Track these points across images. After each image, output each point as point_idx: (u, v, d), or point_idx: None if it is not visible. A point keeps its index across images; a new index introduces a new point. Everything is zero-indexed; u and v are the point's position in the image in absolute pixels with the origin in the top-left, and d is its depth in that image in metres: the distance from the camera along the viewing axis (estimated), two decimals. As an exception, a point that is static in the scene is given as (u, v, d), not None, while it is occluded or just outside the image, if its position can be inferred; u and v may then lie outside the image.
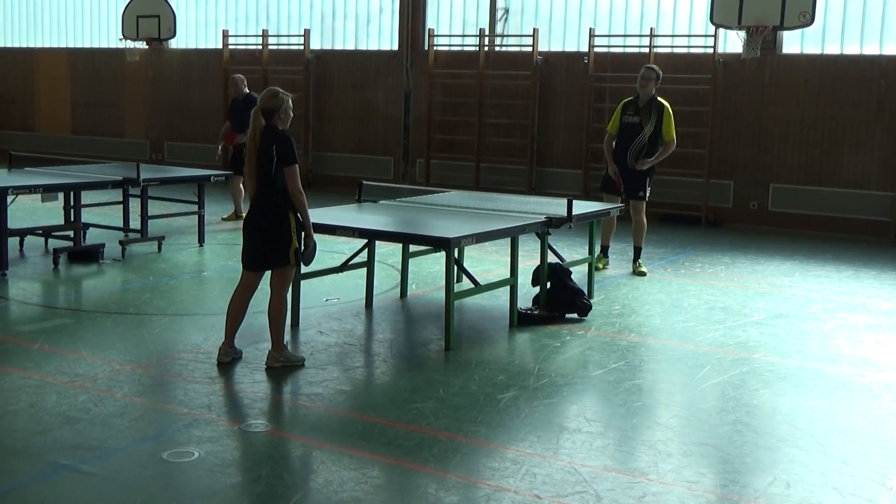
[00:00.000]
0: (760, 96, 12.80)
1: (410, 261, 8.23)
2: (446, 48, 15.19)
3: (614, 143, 9.38)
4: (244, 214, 6.18)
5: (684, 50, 13.35)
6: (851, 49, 12.45)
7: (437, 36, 15.12)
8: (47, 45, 19.95)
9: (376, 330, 7.22)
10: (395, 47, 15.64)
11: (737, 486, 4.43)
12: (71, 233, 9.51)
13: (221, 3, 17.59)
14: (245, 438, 4.92)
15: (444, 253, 6.74)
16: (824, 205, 12.48)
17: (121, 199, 10.17)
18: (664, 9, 13.61)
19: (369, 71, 15.90)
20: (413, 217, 7.65)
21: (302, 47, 16.21)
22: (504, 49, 14.85)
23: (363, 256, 7.78)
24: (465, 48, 15.07)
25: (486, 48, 14.66)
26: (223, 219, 12.08)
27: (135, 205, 10.00)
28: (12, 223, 8.85)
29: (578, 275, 8.20)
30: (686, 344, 6.92)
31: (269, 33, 16.62)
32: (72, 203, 9.70)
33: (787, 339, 7.12)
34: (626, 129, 9.25)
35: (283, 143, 5.77)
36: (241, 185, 11.60)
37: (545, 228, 7.30)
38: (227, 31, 17.00)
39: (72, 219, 9.73)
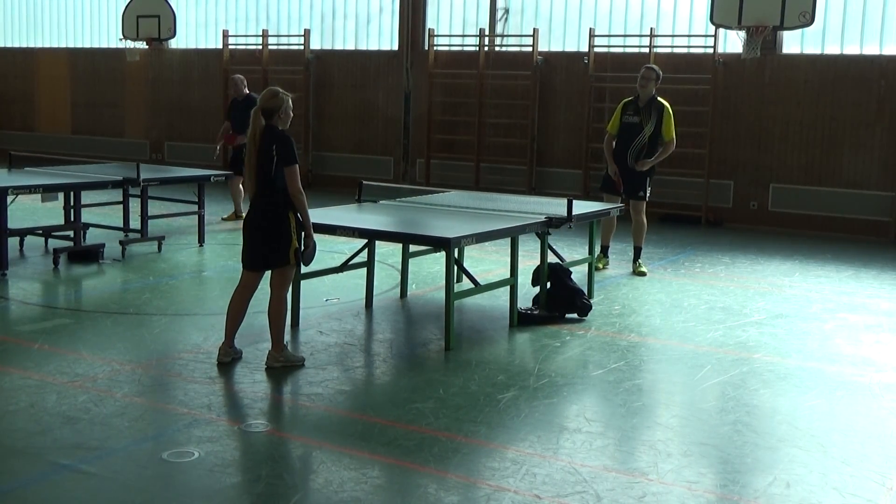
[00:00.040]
0: (760, 96, 12.80)
1: (410, 261, 8.23)
2: (446, 48, 15.19)
3: (614, 143, 9.38)
4: (244, 214, 6.17)
5: (684, 50, 13.35)
6: (851, 49, 12.45)
7: (437, 36, 15.12)
8: (47, 45, 19.95)
9: (376, 330, 7.22)
10: (395, 47, 15.64)
11: (737, 486, 4.43)
12: (71, 233, 9.51)
13: (221, 3, 17.59)
14: (245, 438, 4.92)
15: (444, 253, 6.74)
16: (824, 205, 12.48)
17: (121, 199, 10.17)
18: (664, 9, 13.61)
19: (369, 71, 15.90)
20: (413, 217, 7.65)
21: (302, 47, 16.21)
22: (504, 49, 14.85)
23: (363, 256, 7.78)
24: (465, 48, 15.07)
25: (486, 48, 14.66)
26: (223, 219, 12.08)
27: (135, 205, 10.00)
28: (12, 223, 8.85)
29: (578, 275, 8.20)
30: (686, 344, 6.92)
31: (269, 33, 16.62)
32: (72, 203, 9.70)
33: (787, 339, 7.12)
34: (626, 129, 9.25)
35: (283, 142, 5.77)
36: (241, 186, 11.61)
37: (545, 228, 7.30)
38: (227, 31, 17.00)
39: (72, 219, 9.73)
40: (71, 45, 19.57)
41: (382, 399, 5.66)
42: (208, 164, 13.22)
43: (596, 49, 13.73)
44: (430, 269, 9.01)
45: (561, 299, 7.49)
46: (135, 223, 10.00)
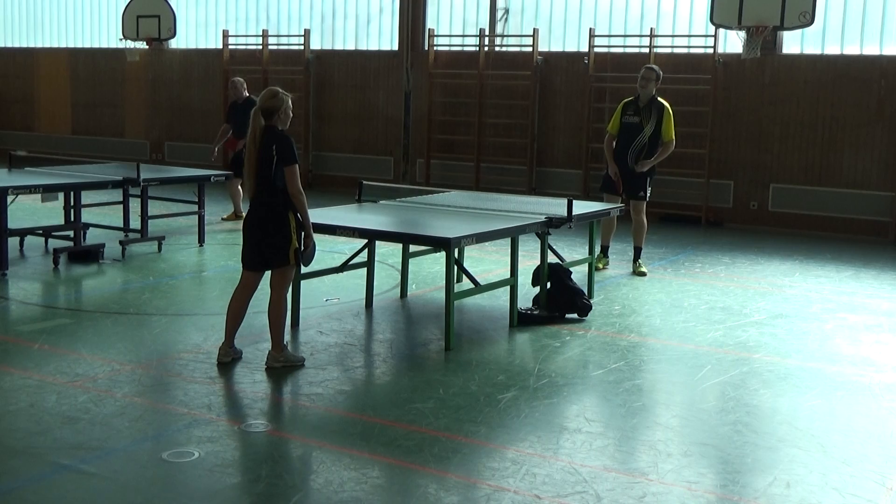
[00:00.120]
0: (760, 96, 12.80)
1: (410, 261, 8.23)
2: (446, 48, 15.19)
3: (614, 143, 9.38)
4: (244, 214, 6.17)
5: (684, 50, 13.35)
6: (851, 49, 12.45)
7: (437, 36, 15.12)
8: (47, 45, 19.95)
9: (376, 330, 7.22)
10: (395, 47, 15.64)
11: (737, 486, 4.43)
12: (71, 233, 9.51)
13: (221, 3, 17.59)
14: (245, 438, 4.92)
15: (444, 253, 6.74)
16: (824, 205, 12.48)
17: (121, 199, 10.18)
18: (664, 9, 13.61)
19: (369, 71, 15.90)
20: (413, 217, 7.65)
21: (302, 47, 16.21)
22: (504, 49, 14.85)
23: (363, 256, 7.78)
24: (465, 48, 15.07)
25: (486, 48, 14.66)
26: (223, 219, 12.09)
27: (135, 205, 10.00)
28: (12, 223, 8.85)
29: (578, 275, 8.20)
30: (686, 344, 6.92)
31: (269, 33, 16.62)
32: (72, 203, 9.70)
33: (787, 339, 7.12)
34: (627, 129, 9.25)
35: (283, 142, 5.77)
36: (240, 187, 11.63)
37: (545, 228, 7.30)
38: (227, 31, 17.00)
39: (72, 219, 9.73)
40: (71, 45, 19.58)
41: (382, 399, 5.66)
42: (208, 165, 13.22)
43: (596, 49, 13.73)
44: (430, 269, 9.01)
45: (561, 299, 7.49)
46: (135, 223, 10.00)
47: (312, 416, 5.30)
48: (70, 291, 8.47)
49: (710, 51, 13.00)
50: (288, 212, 5.82)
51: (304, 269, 6.89)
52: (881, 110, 12.10)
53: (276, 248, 5.85)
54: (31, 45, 20.20)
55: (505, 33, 14.88)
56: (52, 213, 10.64)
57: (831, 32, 12.52)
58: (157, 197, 10.66)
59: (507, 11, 14.83)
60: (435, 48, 15.08)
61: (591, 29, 13.75)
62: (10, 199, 8.60)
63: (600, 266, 9.35)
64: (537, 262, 7.63)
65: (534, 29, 14.22)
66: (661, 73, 9.43)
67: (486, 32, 14.74)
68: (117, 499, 4.17)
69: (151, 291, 8.12)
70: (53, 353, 6.21)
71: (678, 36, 13.38)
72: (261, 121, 5.78)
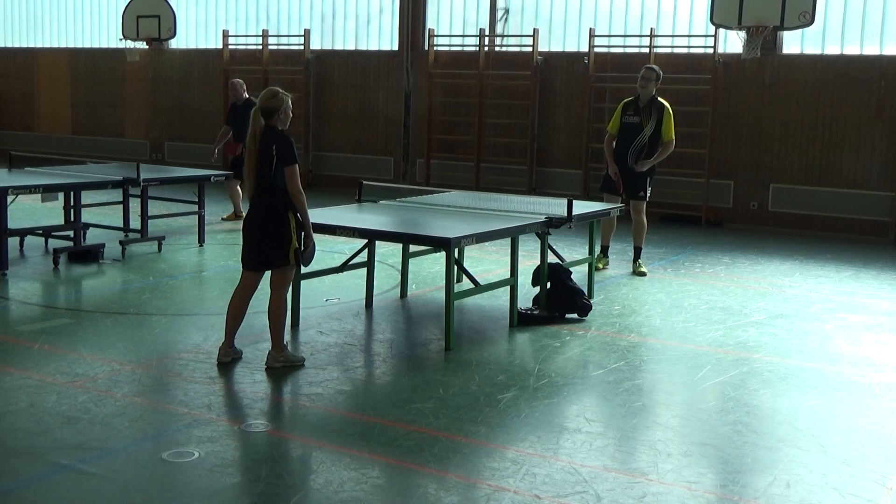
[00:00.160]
0: (760, 96, 12.80)
1: (410, 261, 8.23)
2: (446, 48, 15.19)
3: (614, 143, 9.38)
4: (244, 214, 6.18)
5: (684, 50, 13.35)
6: (851, 49, 12.45)
7: (437, 36, 15.12)
8: (47, 45, 19.95)
9: (376, 330, 7.22)
10: (395, 47, 15.64)
11: (737, 486, 4.43)
12: (71, 233, 9.51)
13: (221, 3, 17.59)
14: (245, 438, 4.92)
15: (444, 253, 6.74)
16: (824, 205, 12.48)
17: (121, 199, 10.18)
18: (664, 9, 13.61)
19: (369, 71, 15.90)
20: (413, 217, 7.65)
21: (302, 47, 16.21)
22: (504, 49, 14.85)
23: (363, 256, 7.78)
24: (465, 48, 15.07)
25: (486, 48, 14.66)
26: (223, 219, 12.09)
27: (135, 205, 10.00)
28: (12, 223, 8.85)
29: (578, 275, 8.20)
30: (686, 344, 6.92)
31: (269, 33, 16.62)
32: (72, 203, 9.70)
33: (787, 339, 7.12)
34: (627, 129, 9.25)
35: (283, 142, 5.77)
36: (239, 188, 11.63)
37: (545, 228, 7.30)
38: (227, 31, 17.00)
39: (72, 219, 9.73)
40: (71, 45, 19.58)
41: (382, 399, 5.66)
42: (208, 165, 13.22)
43: (596, 49, 13.73)
44: (430, 269, 9.01)
45: (561, 299, 7.49)
46: (135, 223, 10.00)
47: (312, 416, 5.30)
48: (70, 291, 8.47)
49: (710, 51, 13.00)
50: (288, 212, 5.82)
51: (304, 269, 6.89)
52: (881, 110, 12.10)
53: (276, 248, 5.85)
54: (31, 45, 20.20)
55: (505, 33, 14.88)
56: (52, 213, 10.64)
57: (831, 32, 12.52)
58: (157, 197, 10.66)
59: (507, 11, 14.83)
60: (435, 48, 15.08)
61: (591, 29, 13.75)
62: (10, 199, 8.60)
63: (600, 266, 9.35)
64: (537, 262, 7.63)
65: (534, 29, 14.22)
66: (661, 73, 9.43)
67: (486, 32, 14.74)
68: (117, 499, 4.17)
69: (151, 291, 8.12)
70: (53, 353, 6.21)
71: (678, 36, 13.38)
72: (261, 121, 5.78)
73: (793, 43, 12.78)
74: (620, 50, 13.87)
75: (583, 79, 13.87)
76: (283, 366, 5.98)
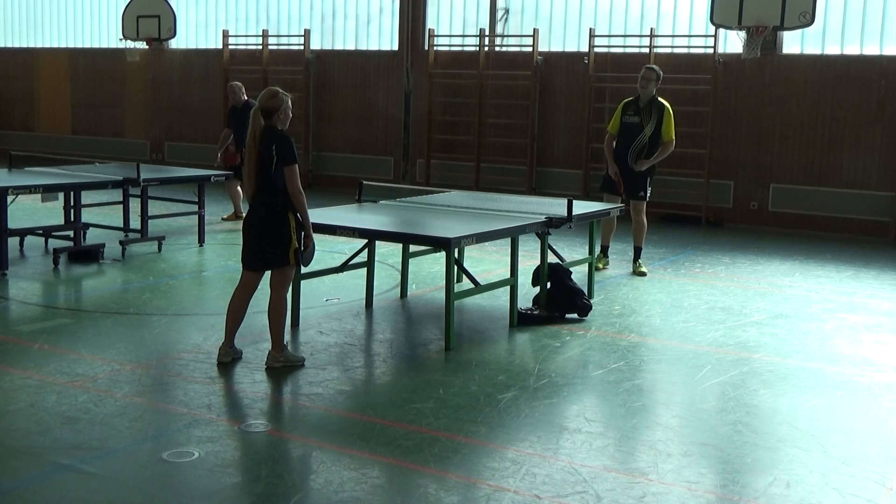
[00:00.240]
0: (760, 96, 12.80)
1: (410, 261, 8.23)
2: (446, 48, 15.19)
3: (615, 143, 9.38)
4: (244, 214, 6.18)
5: (684, 50, 13.35)
6: (851, 49, 12.45)
7: (437, 36, 15.12)
8: (47, 45, 19.95)
9: (376, 330, 7.22)
10: (395, 47, 15.64)
11: (737, 486, 4.43)
12: (71, 233, 9.51)
13: (221, 3, 17.59)
14: (245, 438, 4.92)
15: (444, 253, 6.74)
16: (824, 205, 12.48)
17: (121, 199, 10.18)
18: (664, 9, 13.61)
19: (369, 71, 15.90)
20: (413, 217, 7.65)
21: (302, 47, 16.21)
22: (504, 49, 14.85)
23: (363, 256, 7.78)
24: (465, 48, 15.07)
25: (486, 48, 14.66)
26: (223, 219, 12.09)
27: (135, 205, 10.00)
28: (12, 223, 8.85)
29: (578, 275, 8.20)
30: (686, 344, 6.92)
31: (269, 33, 16.62)
32: (72, 203, 9.70)
33: (787, 339, 7.12)
34: (627, 129, 9.25)
35: (283, 142, 5.77)
36: (239, 188, 11.63)
37: (545, 228, 7.30)
38: (227, 31, 17.00)
39: (72, 219, 9.73)
40: (71, 45, 19.58)
41: (382, 399, 5.66)
42: (208, 165, 13.22)
43: (596, 49, 13.73)
44: (430, 269, 9.01)
45: (561, 299, 7.49)
46: (135, 223, 10.00)
47: (312, 416, 5.30)
48: (70, 291, 8.47)
49: (710, 51, 13.00)
50: (288, 212, 5.82)
51: (303, 269, 6.89)
52: (881, 110, 12.10)
53: (275, 248, 5.85)
54: (31, 45, 20.21)
55: (505, 33, 14.88)
56: (52, 213, 10.64)
57: (831, 32, 12.52)
58: (157, 197, 10.66)
59: (507, 11, 14.83)
60: (435, 48, 15.08)
61: (591, 29, 13.75)
62: (10, 199, 8.60)
63: (600, 266, 9.35)
64: (537, 262, 7.63)
65: (534, 29, 14.22)
66: (662, 73, 9.43)
67: (486, 32, 14.74)
68: (117, 499, 4.17)
69: (151, 291, 8.12)
70: (53, 353, 6.21)
71: (678, 36, 13.38)
72: (260, 121, 5.79)
73: (793, 43, 12.78)
74: (620, 50, 13.87)
75: (583, 79, 13.87)
76: (283, 366, 5.98)
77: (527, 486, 4.34)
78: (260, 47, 16.56)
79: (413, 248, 8.09)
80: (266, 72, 16.33)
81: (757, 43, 12.10)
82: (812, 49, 12.66)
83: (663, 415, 5.47)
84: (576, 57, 14.03)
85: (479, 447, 4.82)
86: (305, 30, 16.21)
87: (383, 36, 15.95)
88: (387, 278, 8.65)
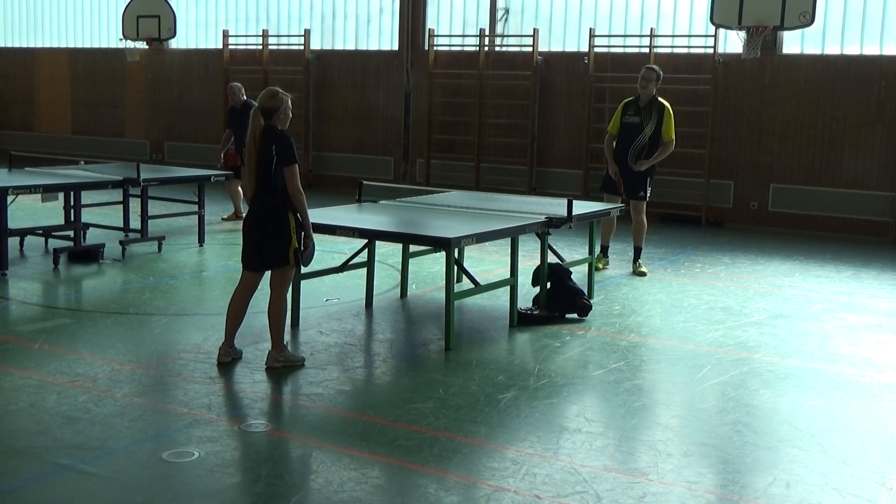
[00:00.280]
0: (760, 96, 12.80)
1: (410, 261, 8.23)
2: (446, 48, 15.19)
3: (615, 143, 9.38)
4: (244, 214, 6.18)
5: (684, 50, 13.35)
6: (851, 49, 12.45)
7: (437, 36, 15.12)
8: (47, 45, 19.95)
9: (376, 330, 7.22)
10: (395, 47, 15.64)
11: (737, 486, 4.43)
12: (71, 233, 9.51)
13: (221, 3, 17.59)
14: (245, 438, 4.92)
15: (444, 253, 6.74)
16: (824, 205, 12.48)
17: (121, 199, 10.18)
18: (664, 9, 13.61)
19: (369, 71, 15.90)
20: (413, 217, 7.65)
21: (302, 47, 16.21)
22: (504, 49, 14.85)
23: (363, 256, 7.78)
24: (465, 48, 15.07)
25: (486, 48, 14.66)
26: (223, 219, 12.09)
27: (135, 205, 10.00)
28: (12, 223, 8.85)
29: (578, 275, 8.20)
30: (686, 344, 6.92)
31: (269, 33, 16.62)
32: (72, 203, 9.70)
33: (787, 340, 7.12)
34: (627, 129, 9.25)
35: (283, 142, 5.77)
36: (240, 188, 11.62)
37: (545, 228, 7.30)
38: (227, 31, 17.00)
39: (72, 219, 9.73)
40: (71, 45, 19.58)
41: (382, 399, 5.66)
42: (208, 165, 13.22)
43: (596, 49, 13.73)
44: (430, 269, 9.01)
45: (561, 299, 7.49)
46: (135, 223, 10.00)
47: (312, 416, 5.30)
48: (70, 291, 8.47)
49: (710, 51, 13.00)
50: (288, 212, 5.82)
51: (303, 269, 6.89)
52: (881, 110, 12.10)
53: (275, 248, 5.85)
54: (31, 45, 20.20)
55: (505, 33, 14.88)
56: (52, 213, 10.64)
57: (831, 32, 12.53)
58: (157, 197, 10.66)
59: (507, 11, 14.83)
60: (435, 48, 15.08)
61: (591, 29, 13.75)
62: (10, 199, 8.60)
63: (600, 266, 9.35)
64: (537, 262, 7.63)
65: (534, 29, 14.22)
66: (662, 73, 9.43)
67: (486, 32, 14.74)
68: (117, 499, 4.17)
69: (151, 291, 8.12)
70: (53, 353, 6.21)
71: (678, 36, 13.38)
72: (260, 121, 5.79)
73: (793, 43, 12.78)
74: (620, 50, 13.87)
75: (583, 79, 13.87)
76: (283, 366, 5.98)
77: (527, 486, 4.34)
78: (260, 47, 16.56)
79: (413, 248, 8.09)
80: (266, 72, 16.33)
81: (757, 43, 12.11)
82: (812, 49, 12.66)
83: (663, 415, 5.47)
84: (576, 57, 14.03)
85: (479, 447, 4.82)
86: (305, 30, 16.21)
87: (383, 36, 15.95)
88: (387, 278, 8.65)
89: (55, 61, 19.54)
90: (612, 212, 8.56)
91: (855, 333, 7.35)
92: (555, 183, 14.08)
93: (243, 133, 6.17)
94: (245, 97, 11.89)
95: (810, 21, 11.88)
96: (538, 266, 7.61)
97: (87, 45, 19.31)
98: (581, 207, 7.98)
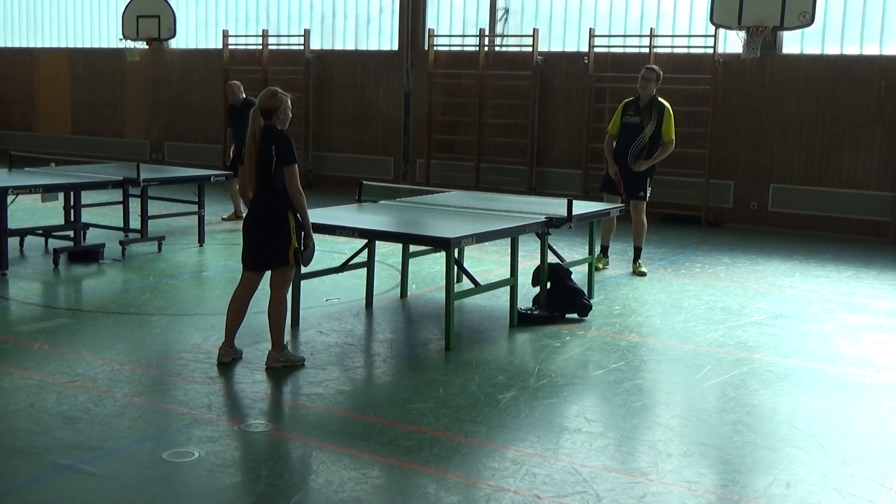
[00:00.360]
0: (760, 96, 12.80)
1: (410, 261, 8.23)
2: (446, 48, 15.19)
3: (615, 143, 9.38)
4: (244, 214, 6.17)
5: (684, 50, 13.35)
6: (851, 49, 12.45)
7: (437, 36, 15.12)
8: (47, 45, 19.95)
9: (376, 330, 7.22)
10: (395, 47, 15.64)
11: (737, 486, 4.43)
12: (71, 233, 9.51)
13: (221, 3, 17.59)
14: (245, 438, 4.92)
15: (444, 253, 6.74)
16: (824, 205, 12.48)
17: (121, 199, 10.18)
18: (664, 9, 13.61)
19: (369, 71, 15.90)
20: (413, 217, 7.65)
21: (302, 47, 16.21)
22: (504, 49, 14.85)
23: (363, 256, 7.78)
24: (465, 48, 15.07)
25: (486, 48, 14.66)
26: (223, 219, 12.09)
27: (135, 205, 10.00)
28: (12, 223, 8.85)
29: (578, 275, 8.20)
30: (686, 344, 6.92)
31: (269, 33, 16.62)
32: (72, 203, 9.70)
33: (787, 340, 7.12)
34: (627, 129, 9.25)
35: (283, 142, 5.77)
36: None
37: (545, 228, 7.30)
38: (227, 31, 17.00)
39: (72, 219, 9.73)
40: (71, 45, 19.58)
41: (382, 399, 5.66)
42: (208, 164, 13.22)
43: (596, 49, 13.73)
44: (430, 269, 9.01)
45: (561, 299, 7.49)
46: (135, 223, 10.00)
47: (312, 416, 5.30)
48: (70, 291, 8.47)
49: (710, 51, 13.00)
50: (288, 212, 5.82)
51: (303, 269, 6.89)
52: (881, 110, 12.10)
53: (275, 249, 5.85)
54: (31, 45, 20.20)
55: (505, 33, 14.88)
56: (52, 213, 10.64)
57: (831, 32, 12.53)
58: (157, 197, 10.65)
59: (507, 11, 14.83)
60: (435, 48, 15.08)
61: (591, 29, 13.75)
62: (10, 199, 8.60)
63: (600, 266, 9.35)
64: (537, 262, 7.63)
65: (534, 29, 14.22)
66: (662, 73, 9.43)
67: (486, 32, 14.74)
68: (117, 499, 4.17)
69: (151, 291, 8.12)
70: (53, 353, 6.21)
71: (678, 36, 13.38)
72: (260, 121, 5.78)
73: (793, 43, 12.78)
74: (620, 50, 13.87)
75: (583, 79, 13.87)
76: (283, 366, 5.98)
77: (527, 486, 4.34)
78: (260, 47, 16.56)
79: (413, 248, 8.09)
80: (266, 72, 16.33)
81: (757, 43, 12.11)
82: (812, 49, 12.66)
83: (663, 415, 5.47)
84: (576, 57, 14.03)
85: (479, 447, 4.82)
86: (305, 30, 16.21)
87: (383, 36, 15.95)
88: (387, 278, 8.65)
89: (55, 61, 19.54)
90: (612, 212, 8.56)
91: (855, 333, 7.35)
92: (555, 183, 14.08)
93: (243, 131, 6.16)
94: (245, 95, 11.89)
95: (810, 21, 11.88)
96: (538, 266, 7.61)
97: (87, 45, 19.31)
98: (581, 207, 7.98)
